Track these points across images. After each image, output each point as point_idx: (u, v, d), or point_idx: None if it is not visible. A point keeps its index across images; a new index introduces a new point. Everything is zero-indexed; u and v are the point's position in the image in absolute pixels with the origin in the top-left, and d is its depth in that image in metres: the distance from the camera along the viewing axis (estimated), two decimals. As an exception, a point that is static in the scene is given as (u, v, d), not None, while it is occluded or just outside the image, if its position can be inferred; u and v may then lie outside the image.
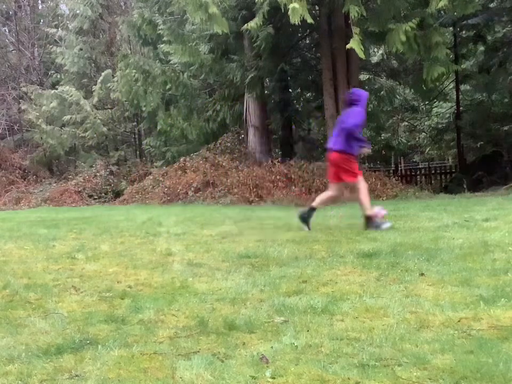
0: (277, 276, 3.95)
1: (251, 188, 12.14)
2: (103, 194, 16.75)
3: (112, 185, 17.05)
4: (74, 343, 2.65)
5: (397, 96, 18.70)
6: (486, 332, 2.58)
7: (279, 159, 13.57)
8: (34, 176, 19.16)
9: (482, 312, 2.85)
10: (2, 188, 17.91)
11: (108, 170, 17.68)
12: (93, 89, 19.19)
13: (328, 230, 6.14)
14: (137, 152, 21.46)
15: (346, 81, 12.81)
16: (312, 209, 6.26)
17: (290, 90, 17.16)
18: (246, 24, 10.91)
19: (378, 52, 18.53)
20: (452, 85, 19.18)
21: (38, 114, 19.08)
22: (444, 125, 22.17)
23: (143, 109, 17.03)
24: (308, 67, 16.43)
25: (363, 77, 17.46)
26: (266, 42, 12.24)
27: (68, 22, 21.56)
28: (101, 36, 21.32)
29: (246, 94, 14.38)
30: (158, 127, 16.34)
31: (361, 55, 10.40)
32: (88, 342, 2.67)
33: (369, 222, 6.00)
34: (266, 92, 15.71)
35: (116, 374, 2.28)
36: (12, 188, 17.91)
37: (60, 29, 21.15)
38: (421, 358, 2.29)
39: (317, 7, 13.35)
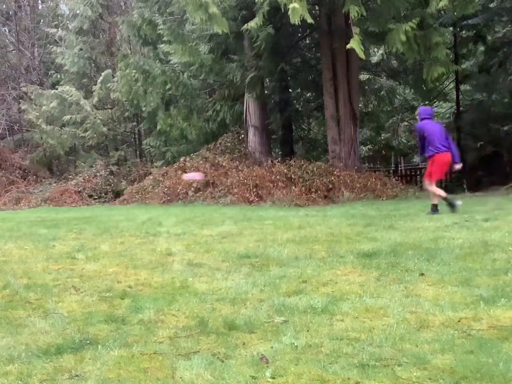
0: (277, 276, 3.94)
1: (251, 187, 12.11)
2: (103, 194, 16.76)
3: (112, 185, 17.05)
4: (74, 343, 2.65)
5: (397, 96, 18.72)
6: (486, 332, 2.58)
7: (279, 159, 13.54)
8: (34, 176, 19.15)
9: (482, 312, 2.85)
10: (2, 188, 17.90)
11: (108, 170, 17.68)
12: (93, 89, 19.19)
13: None
14: (137, 152, 21.46)
15: (346, 81, 12.83)
16: None
17: (290, 90, 17.16)
18: (246, 24, 10.91)
19: (378, 52, 18.51)
20: (452, 85, 19.16)
21: (38, 114, 19.08)
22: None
23: (143, 109, 17.03)
24: (308, 67, 16.43)
25: (363, 77, 17.46)
26: (266, 42, 12.24)
27: (68, 22, 21.56)
28: (101, 36, 21.32)
29: (246, 94, 14.37)
30: (158, 127, 16.34)
31: (361, 55, 10.40)
32: (88, 342, 2.67)
33: None
34: (266, 91, 15.71)
35: (116, 374, 2.28)
36: (12, 188, 17.91)
37: (60, 29, 21.15)
38: (421, 358, 2.29)
39: (317, 7, 13.35)
